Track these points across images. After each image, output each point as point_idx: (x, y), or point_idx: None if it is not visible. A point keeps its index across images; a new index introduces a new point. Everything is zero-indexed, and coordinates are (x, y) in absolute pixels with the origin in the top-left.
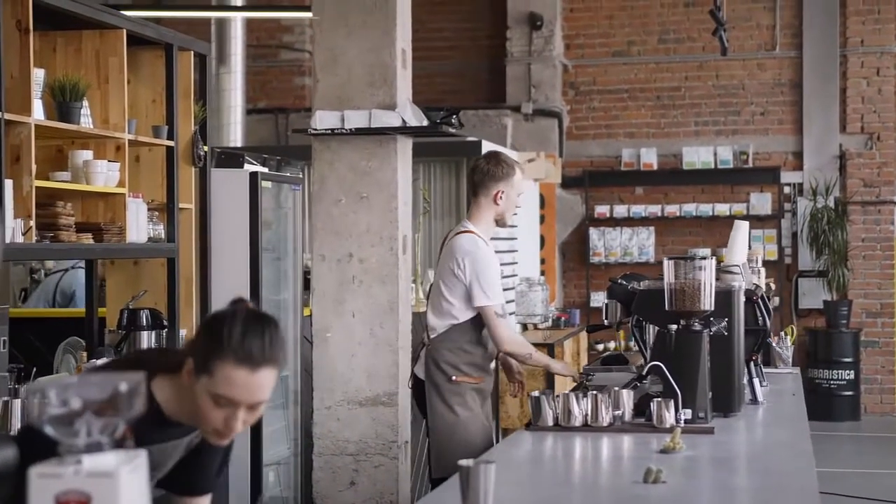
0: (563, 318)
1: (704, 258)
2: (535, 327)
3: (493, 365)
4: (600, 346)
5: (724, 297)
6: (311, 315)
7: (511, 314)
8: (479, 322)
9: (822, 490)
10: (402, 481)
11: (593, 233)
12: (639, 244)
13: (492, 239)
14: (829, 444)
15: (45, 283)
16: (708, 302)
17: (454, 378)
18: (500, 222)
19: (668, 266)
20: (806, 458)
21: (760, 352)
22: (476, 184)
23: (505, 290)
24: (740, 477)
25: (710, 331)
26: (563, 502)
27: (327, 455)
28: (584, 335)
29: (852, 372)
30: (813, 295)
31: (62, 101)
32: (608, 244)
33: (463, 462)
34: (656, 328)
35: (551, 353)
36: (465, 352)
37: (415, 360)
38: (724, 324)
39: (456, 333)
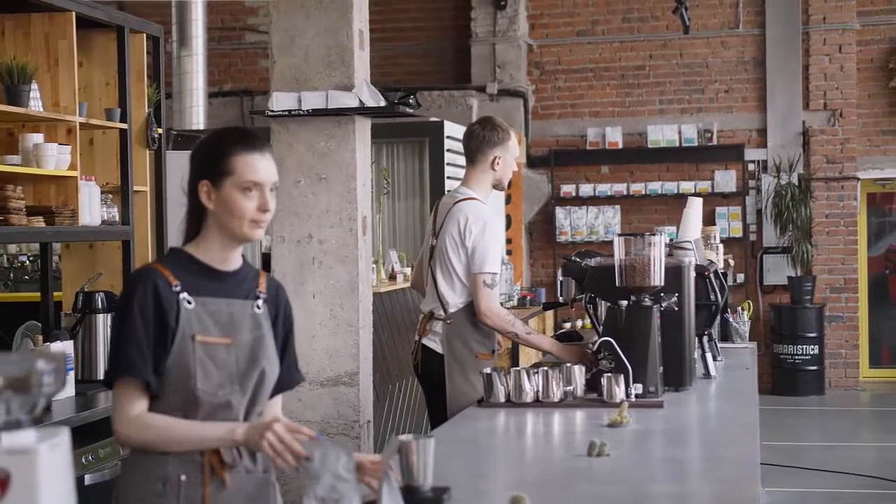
0: (528, 298)
1: (654, 234)
2: (501, 306)
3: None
4: (568, 325)
5: (675, 272)
6: None
7: None
8: None
9: (788, 464)
10: None
11: (559, 212)
12: (605, 223)
13: None
14: (794, 418)
15: None
16: (658, 278)
17: (479, 355)
18: (497, 187)
19: (617, 242)
20: (748, 428)
21: (713, 327)
22: (473, 150)
23: None
24: (682, 448)
25: (661, 306)
26: (505, 475)
27: None
28: (550, 314)
29: (817, 347)
30: (777, 271)
31: (10, 85)
32: (574, 223)
33: (402, 437)
34: (608, 304)
35: None
36: (480, 328)
37: (422, 332)
38: (674, 299)
39: (473, 309)
